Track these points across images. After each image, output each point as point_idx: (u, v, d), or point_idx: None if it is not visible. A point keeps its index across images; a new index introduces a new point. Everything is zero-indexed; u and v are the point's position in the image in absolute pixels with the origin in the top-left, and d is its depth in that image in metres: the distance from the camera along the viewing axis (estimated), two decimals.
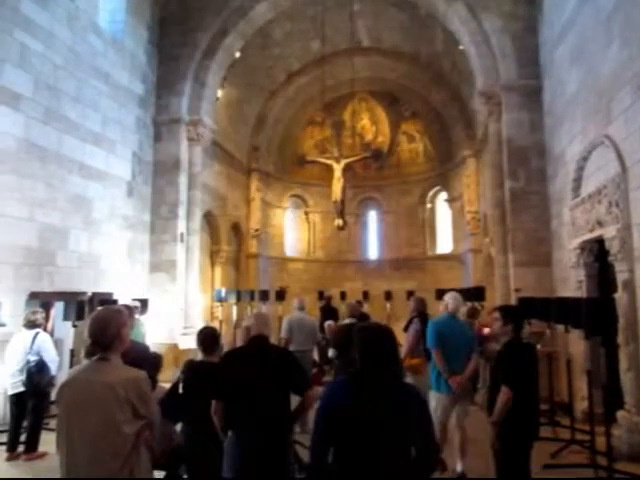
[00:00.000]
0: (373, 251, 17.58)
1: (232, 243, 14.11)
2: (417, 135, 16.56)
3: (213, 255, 13.08)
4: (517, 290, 7.98)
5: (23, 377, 5.22)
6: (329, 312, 10.67)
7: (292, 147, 16.57)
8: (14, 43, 6.93)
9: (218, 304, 11.09)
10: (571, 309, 5.17)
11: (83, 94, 8.30)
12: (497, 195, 9.11)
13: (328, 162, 15.16)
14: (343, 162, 14.85)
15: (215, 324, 11.59)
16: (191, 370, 3.20)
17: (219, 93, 11.74)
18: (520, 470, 3.32)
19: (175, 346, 9.33)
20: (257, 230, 14.93)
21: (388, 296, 14.86)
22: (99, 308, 2.31)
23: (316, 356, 7.23)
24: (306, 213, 17.29)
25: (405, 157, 16.90)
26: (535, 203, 8.48)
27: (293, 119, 16.25)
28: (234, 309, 10.80)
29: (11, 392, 5.36)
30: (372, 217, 17.66)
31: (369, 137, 17.10)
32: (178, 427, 3.50)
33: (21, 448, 5.27)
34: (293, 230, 17.18)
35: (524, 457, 3.34)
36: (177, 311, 9.92)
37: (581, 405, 6.10)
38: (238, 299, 10.79)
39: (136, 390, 2.04)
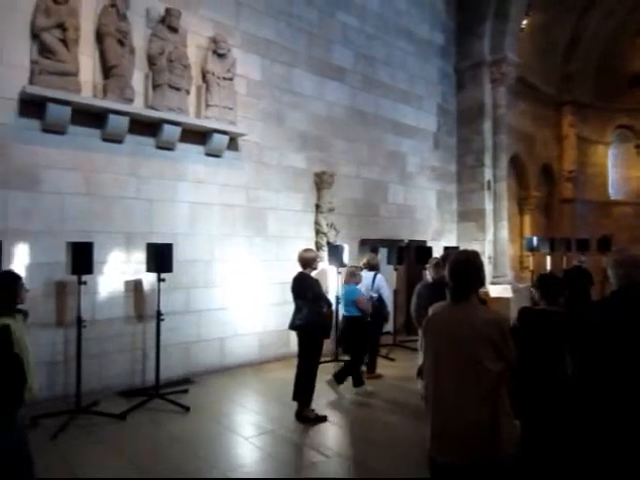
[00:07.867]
0: None
1: (541, 188, 12.96)
2: None
3: (521, 202, 12.41)
4: None
5: None
6: None
7: (616, 68, 13.65)
8: (337, 24, 7.99)
9: (529, 253, 10.46)
10: None
11: (392, 57, 8.93)
12: None
13: None
14: None
15: (526, 275, 11.06)
16: (528, 318, 2.99)
17: (522, 23, 10.65)
18: None
19: (486, 294, 9.35)
20: (572, 171, 13.29)
21: None
22: (457, 251, 2.43)
23: None
24: (637, 146, 14.19)
25: None
26: None
27: (615, 33, 13.33)
28: (547, 259, 9.99)
29: None
30: None
31: None
32: None
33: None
34: (619, 168, 14.44)
35: None
36: (486, 260, 9.87)
37: None
38: (551, 248, 9.90)
39: (499, 330, 2.06)
